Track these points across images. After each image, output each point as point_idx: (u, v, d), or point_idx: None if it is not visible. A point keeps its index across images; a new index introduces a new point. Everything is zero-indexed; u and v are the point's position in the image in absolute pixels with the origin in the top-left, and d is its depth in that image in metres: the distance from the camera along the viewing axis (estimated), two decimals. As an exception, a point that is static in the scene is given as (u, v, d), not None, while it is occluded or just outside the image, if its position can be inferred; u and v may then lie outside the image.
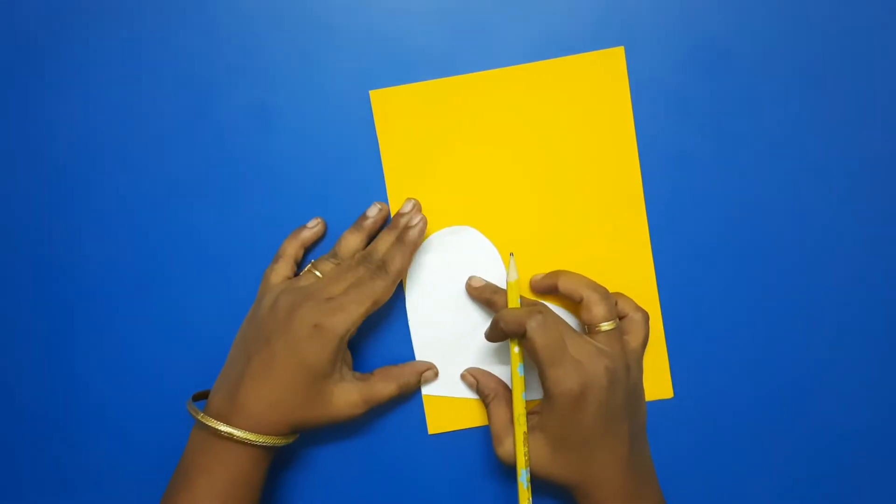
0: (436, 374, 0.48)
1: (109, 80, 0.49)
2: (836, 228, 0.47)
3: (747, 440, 0.48)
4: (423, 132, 0.48)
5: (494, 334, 0.45)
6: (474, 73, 0.47)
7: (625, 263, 0.48)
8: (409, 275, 0.48)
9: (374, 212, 0.47)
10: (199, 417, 0.43)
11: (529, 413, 0.45)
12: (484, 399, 0.47)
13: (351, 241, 0.47)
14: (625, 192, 0.47)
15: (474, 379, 0.48)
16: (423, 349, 0.49)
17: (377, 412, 0.49)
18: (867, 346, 0.48)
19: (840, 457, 0.48)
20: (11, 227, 0.50)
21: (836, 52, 0.47)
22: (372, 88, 0.48)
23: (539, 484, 0.45)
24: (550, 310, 0.44)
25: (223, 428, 0.42)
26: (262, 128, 0.48)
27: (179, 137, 0.49)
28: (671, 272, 0.48)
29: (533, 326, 0.41)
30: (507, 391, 0.47)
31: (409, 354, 0.49)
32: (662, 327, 0.48)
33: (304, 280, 0.46)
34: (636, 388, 0.44)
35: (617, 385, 0.42)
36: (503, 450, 0.44)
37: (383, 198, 0.48)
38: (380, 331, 0.49)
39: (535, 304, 0.45)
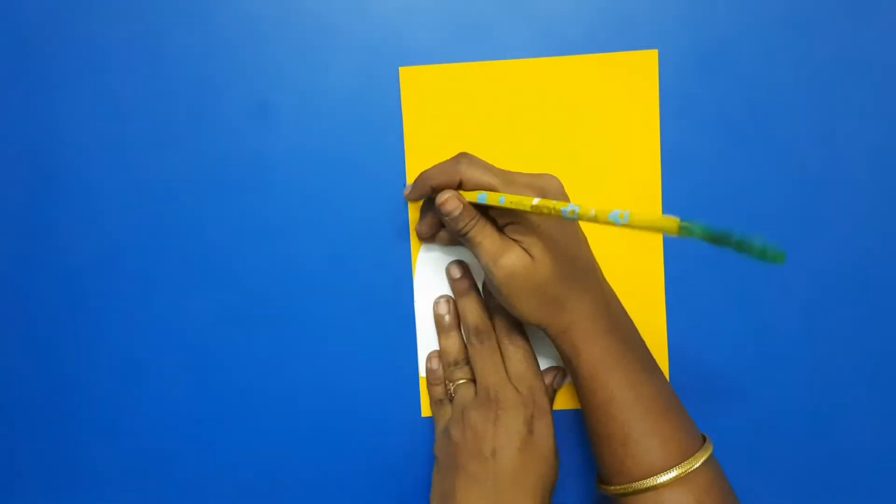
0: (564, 376, 0.48)
1: (111, 80, 0.48)
2: (863, 236, 0.48)
3: (749, 445, 0.49)
4: (448, 114, 0.48)
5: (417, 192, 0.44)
6: (506, 61, 0.47)
7: (635, 265, 0.48)
8: (417, 263, 0.48)
9: (444, 309, 0.47)
10: None
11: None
12: (464, 228, 0.42)
13: (452, 344, 0.47)
14: (643, 193, 0.48)
15: (459, 204, 0.41)
16: (426, 334, 0.49)
17: (370, 394, 0.49)
18: (879, 351, 0.48)
19: (845, 463, 0.48)
20: (9, 227, 0.49)
21: (863, 58, 0.47)
22: (402, 65, 0.47)
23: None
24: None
25: None
26: (274, 110, 0.48)
27: (185, 128, 0.48)
28: (680, 277, 0.48)
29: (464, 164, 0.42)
30: (488, 216, 0.43)
31: (413, 344, 0.49)
32: (666, 331, 0.48)
33: (464, 393, 0.45)
34: None
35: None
36: (503, 264, 0.41)
37: (402, 176, 0.48)
38: (384, 321, 0.49)
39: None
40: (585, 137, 0.47)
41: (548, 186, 0.41)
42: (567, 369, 0.44)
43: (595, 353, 0.41)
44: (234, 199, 0.49)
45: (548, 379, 0.47)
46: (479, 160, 0.43)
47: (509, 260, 0.41)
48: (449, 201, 0.42)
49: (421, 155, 0.48)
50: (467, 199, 0.42)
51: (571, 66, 0.47)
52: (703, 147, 0.47)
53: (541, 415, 0.43)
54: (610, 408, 0.41)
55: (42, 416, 0.50)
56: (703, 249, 0.48)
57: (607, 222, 0.35)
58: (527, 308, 0.41)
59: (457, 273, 0.47)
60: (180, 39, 0.48)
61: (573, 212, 0.36)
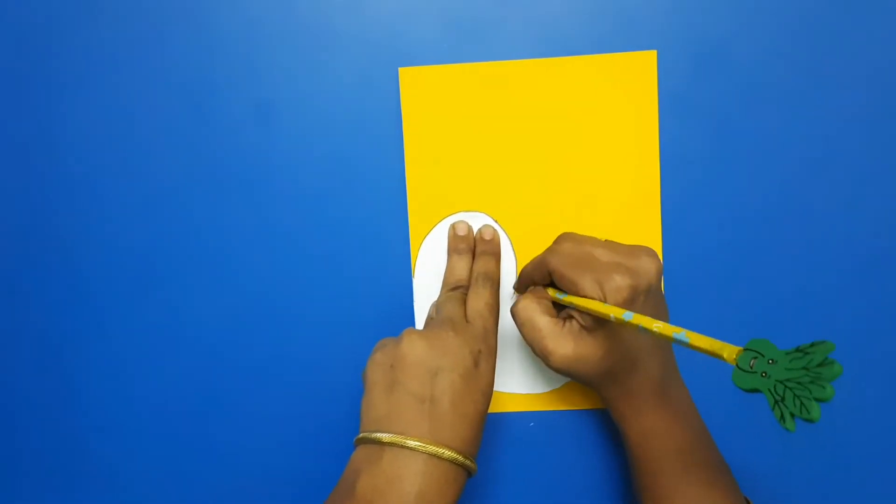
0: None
1: (111, 81, 0.48)
2: (862, 236, 0.48)
3: (746, 446, 0.48)
4: (448, 114, 0.48)
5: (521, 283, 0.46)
6: (505, 62, 0.47)
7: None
8: (417, 263, 0.49)
9: (463, 231, 0.47)
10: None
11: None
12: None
13: (464, 267, 0.47)
14: (641, 193, 0.48)
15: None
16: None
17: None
18: (878, 349, 0.48)
19: (845, 461, 0.48)
20: (10, 229, 0.49)
21: (861, 58, 0.47)
22: (401, 66, 0.48)
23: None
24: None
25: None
26: (271, 110, 0.48)
27: (185, 128, 0.48)
28: (679, 277, 0.48)
29: (550, 257, 0.42)
30: (541, 288, 0.44)
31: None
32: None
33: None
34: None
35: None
36: (562, 354, 0.41)
37: (401, 176, 0.48)
38: (383, 321, 0.49)
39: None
40: (585, 138, 0.48)
41: (642, 269, 0.41)
42: (619, 430, 0.44)
43: (644, 426, 0.42)
44: (233, 199, 0.49)
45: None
46: (572, 242, 0.43)
47: (563, 348, 0.41)
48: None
49: (420, 155, 0.48)
50: (553, 295, 0.43)
51: (571, 67, 0.47)
52: (701, 147, 0.47)
53: (488, 353, 0.42)
54: (658, 478, 0.42)
55: (42, 414, 0.50)
56: (702, 246, 0.48)
57: (671, 339, 0.34)
58: (578, 375, 0.42)
59: (462, 231, 0.47)
60: (180, 40, 0.48)
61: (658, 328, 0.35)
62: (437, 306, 0.45)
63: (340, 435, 0.50)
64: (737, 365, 0.31)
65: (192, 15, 0.48)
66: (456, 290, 0.45)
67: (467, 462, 0.38)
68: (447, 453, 0.38)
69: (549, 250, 0.44)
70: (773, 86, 0.47)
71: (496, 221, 0.48)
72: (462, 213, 0.48)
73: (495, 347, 0.43)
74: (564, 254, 0.42)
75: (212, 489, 0.50)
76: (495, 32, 0.47)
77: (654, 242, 0.48)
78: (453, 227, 0.48)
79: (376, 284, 0.49)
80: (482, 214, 0.48)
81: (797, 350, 0.31)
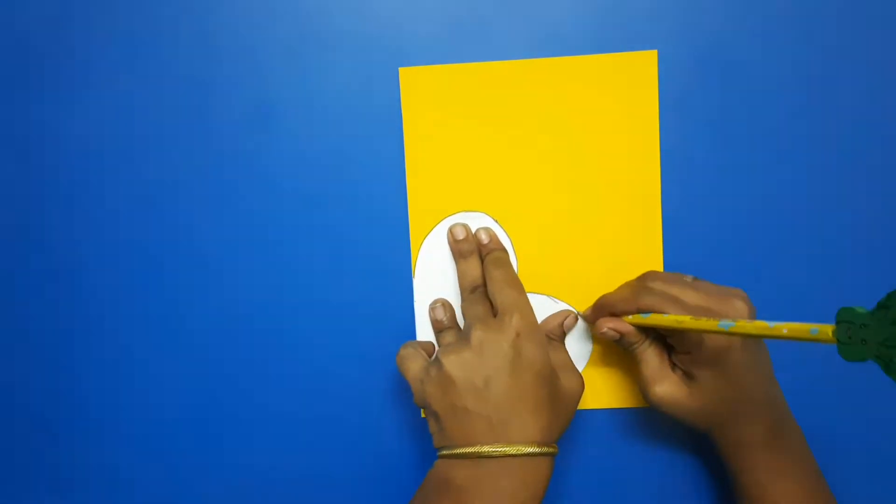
0: (576, 319, 0.47)
1: (109, 82, 0.48)
2: (863, 236, 0.48)
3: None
4: (448, 114, 0.48)
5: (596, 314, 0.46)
6: (506, 61, 0.47)
7: (634, 265, 0.48)
8: (417, 263, 0.49)
9: (461, 234, 0.47)
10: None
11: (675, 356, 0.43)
12: (630, 346, 0.44)
13: (474, 268, 0.47)
14: (642, 194, 0.48)
15: (616, 332, 0.43)
16: (426, 334, 0.49)
17: (370, 395, 0.49)
18: None
19: (846, 465, 0.48)
20: (8, 230, 0.49)
21: (862, 58, 0.47)
22: (401, 66, 0.48)
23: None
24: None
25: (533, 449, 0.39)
26: (271, 110, 0.48)
27: (185, 128, 0.48)
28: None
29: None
30: (658, 335, 0.44)
31: (412, 338, 0.49)
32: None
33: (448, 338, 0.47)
34: None
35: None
36: (655, 392, 0.42)
37: (402, 176, 0.48)
38: (384, 314, 0.49)
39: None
40: (585, 138, 0.48)
41: (731, 316, 0.40)
42: (731, 479, 0.44)
43: (759, 478, 0.41)
44: (233, 200, 0.49)
45: (557, 320, 0.47)
46: (662, 281, 0.43)
47: (661, 389, 0.42)
48: (607, 333, 0.44)
49: (421, 155, 0.48)
50: (631, 320, 0.43)
51: (571, 67, 0.47)
52: (701, 147, 0.47)
53: (528, 330, 0.41)
54: None
55: (42, 414, 0.50)
56: (702, 246, 0.48)
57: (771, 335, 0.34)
58: (683, 423, 0.43)
59: (461, 234, 0.47)
60: (179, 40, 0.48)
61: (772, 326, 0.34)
62: (462, 313, 0.45)
63: (341, 436, 0.50)
64: (838, 341, 0.31)
65: (192, 15, 0.48)
66: (475, 292, 0.46)
67: (544, 450, 0.39)
68: (523, 449, 0.39)
69: (640, 289, 0.43)
70: (773, 86, 0.47)
71: (496, 221, 0.48)
72: (462, 213, 0.48)
73: (531, 316, 0.42)
74: (656, 293, 0.42)
75: (211, 488, 0.50)
76: (495, 32, 0.47)
77: (655, 243, 0.48)
78: (451, 232, 0.47)
79: (376, 284, 0.49)
80: (482, 214, 0.48)
81: (878, 308, 0.31)
